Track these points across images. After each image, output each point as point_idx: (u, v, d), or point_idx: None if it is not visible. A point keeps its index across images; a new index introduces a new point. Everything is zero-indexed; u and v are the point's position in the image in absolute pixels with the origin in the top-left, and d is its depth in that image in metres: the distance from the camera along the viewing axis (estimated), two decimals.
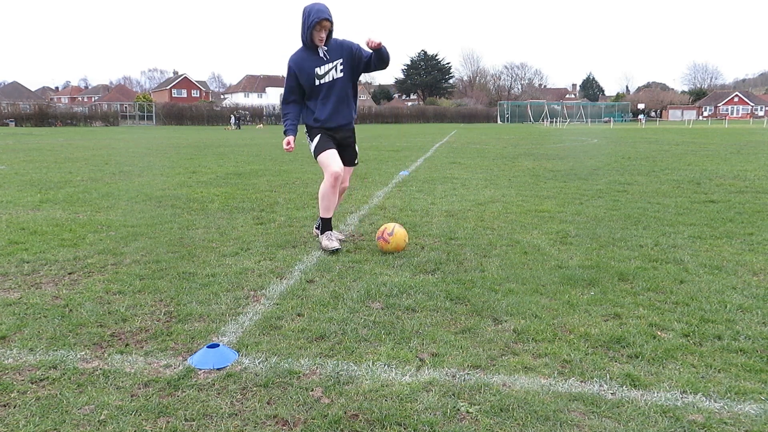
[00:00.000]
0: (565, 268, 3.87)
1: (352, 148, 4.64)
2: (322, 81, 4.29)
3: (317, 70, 4.26)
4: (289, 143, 4.34)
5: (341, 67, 4.29)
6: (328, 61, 4.26)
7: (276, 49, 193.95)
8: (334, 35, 4.37)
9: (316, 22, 4.15)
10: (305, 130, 4.55)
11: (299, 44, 4.34)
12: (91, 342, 2.70)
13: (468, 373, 2.38)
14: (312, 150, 4.45)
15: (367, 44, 4.06)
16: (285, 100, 4.47)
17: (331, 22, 4.22)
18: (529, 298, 3.28)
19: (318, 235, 4.64)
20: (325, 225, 4.49)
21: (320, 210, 4.45)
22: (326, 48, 4.29)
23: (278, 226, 5.35)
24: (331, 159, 4.35)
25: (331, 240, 4.37)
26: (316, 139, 4.42)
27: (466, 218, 5.65)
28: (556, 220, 5.53)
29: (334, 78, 4.29)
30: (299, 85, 4.36)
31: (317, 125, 4.44)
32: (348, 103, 4.44)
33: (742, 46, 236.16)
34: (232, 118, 47.34)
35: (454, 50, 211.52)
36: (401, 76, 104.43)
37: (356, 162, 4.72)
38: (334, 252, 4.28)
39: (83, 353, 2.57)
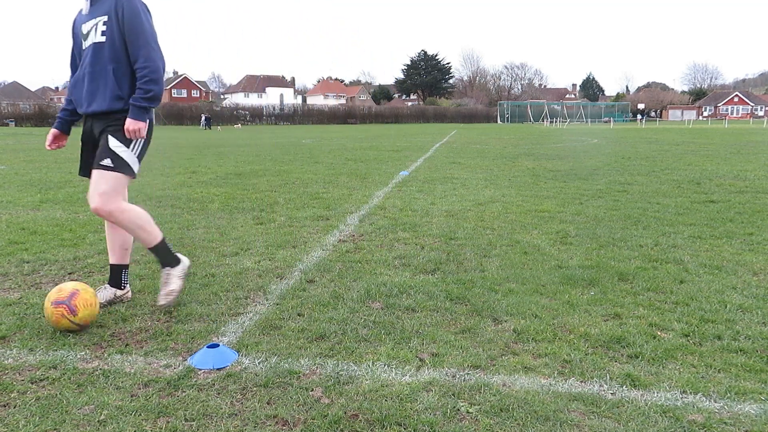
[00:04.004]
0: (565, 268, 3.87)
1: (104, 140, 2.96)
2: (86, 44, 2.96)
3: (83, 27, 2.98)
4: (49, 140, 3.07)
5: (104, 27, 2.91)
6: (90, 16, 2.96)
7: (276, 49, 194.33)
8: None
9: None
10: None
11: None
12: (91, 342, 2.70)
13: (468, 373, 2.38)
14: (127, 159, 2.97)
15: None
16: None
17: None
18: (529, 298, 3.28)
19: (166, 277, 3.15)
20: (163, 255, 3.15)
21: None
22: None
23: (278, 226, 5.35)
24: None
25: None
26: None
27: (466, 218, 5.65)
28: (556, 220, 5.53)
29: (94, 42, 2.92)
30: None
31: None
32: (106, 81, 2.91)
33: (742, 46, 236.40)
34: (202, 117, 46.46)
35: (454, 50, 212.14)
36: (401, 76, 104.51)
37: (103, 164, 2.92)
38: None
39: (83, 353, 2.58)
